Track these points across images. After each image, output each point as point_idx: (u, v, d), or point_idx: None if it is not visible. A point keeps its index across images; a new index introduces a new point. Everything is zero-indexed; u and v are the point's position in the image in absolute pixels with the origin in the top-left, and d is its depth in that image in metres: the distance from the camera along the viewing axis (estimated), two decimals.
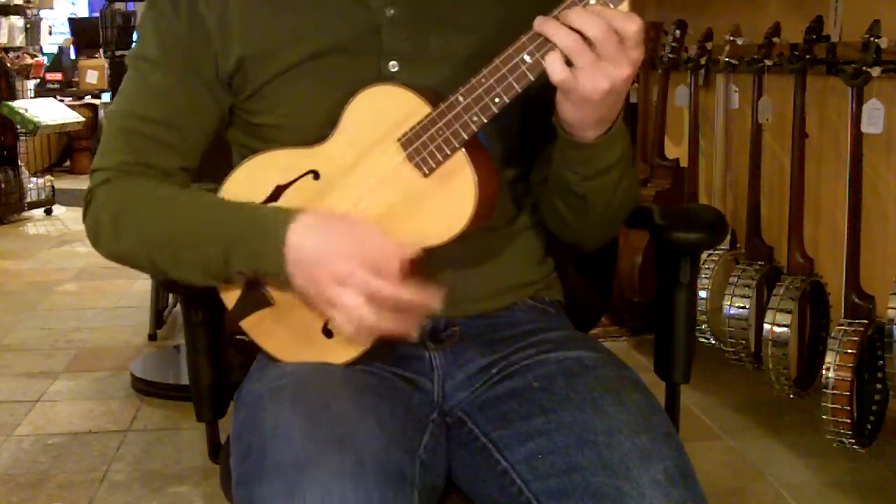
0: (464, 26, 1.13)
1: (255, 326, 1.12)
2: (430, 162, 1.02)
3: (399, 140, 1.03)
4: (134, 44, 1.21)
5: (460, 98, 0.99)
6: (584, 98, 0.96)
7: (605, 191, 1.10)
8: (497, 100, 0.98)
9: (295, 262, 1.02)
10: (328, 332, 1.08)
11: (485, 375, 1.13)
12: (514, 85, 0.97)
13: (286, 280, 1.03)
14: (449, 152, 1.01)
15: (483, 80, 0.98)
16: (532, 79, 0.97)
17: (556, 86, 0.97)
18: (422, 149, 1.02)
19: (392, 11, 1.12)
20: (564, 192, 1.11)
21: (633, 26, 0.93)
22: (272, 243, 1.02)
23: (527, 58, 0.96)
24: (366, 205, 1.06)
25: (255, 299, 1.10)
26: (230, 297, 1.12)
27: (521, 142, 1.21)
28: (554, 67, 0.95)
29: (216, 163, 1.18)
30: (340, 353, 1.08)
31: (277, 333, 1.12)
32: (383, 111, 1.03)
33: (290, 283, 1.03)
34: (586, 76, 0.95)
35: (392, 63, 1.11)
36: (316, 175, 1.08)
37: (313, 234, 1.02)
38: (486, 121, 0.99)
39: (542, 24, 0.95)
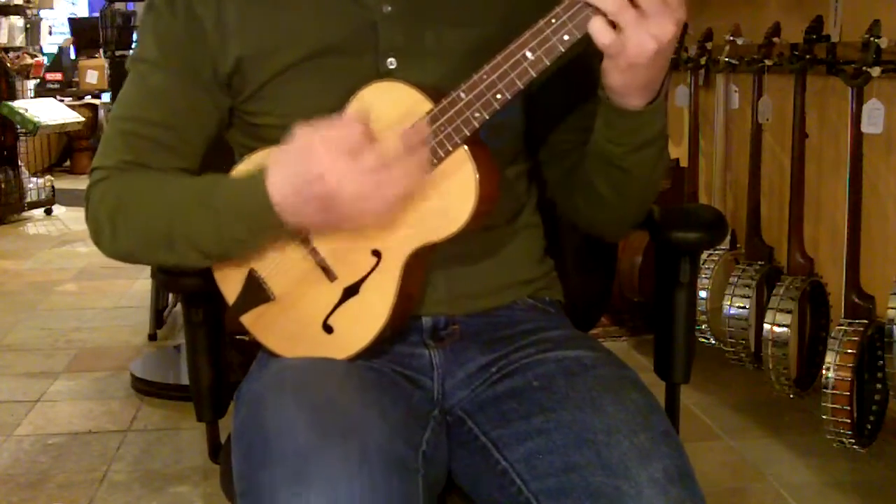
0: (461, 21, 1.13)
1: (256, 322, 1.13)
2: (432, 158, 1.02)
3: (401, 136, 1.03)
4: (133, 46, 1.21)
5: (462, 94, 0.99)
6: (631, 61, 0.95)
7: (647, 164, 1.09)
8: (499, 96, 0.98)
9: (283, 203, 0.99)
10: (328, 328, 1.08)
11: (484, 374, 1.13)
12: (517, 81, 0.97)
13: (289, 226, 1.01)
14: (451, 148, 1.01)
15: (485, 76, 0.98)
16: (534, 75, 0.97)
17: (602, 51, 0.95)
18: None
19: (389, 8, 1.12)
20: (607, 167, 1.10)
21: None
22: (256, 197, 1.00)
23: (529, 54, 0.96)
24: None
25: (255, 295, 1.11)
26: (231, 293, 1.13)
27: (523, 140, 1.21)
28: (599, 31, 0.93)
29: (216, 163, 1.18)
30: (340, 348, 1.08)
31: (277, 329, 1.12)
32: (386, 107, 1.03)
33: (296, 226, 1.02)
34: (632, 37, 0.93)
35: (389, 60, 1.11)
36: None
37: (283, 168, 0.99)
38: (487, 117, 0.99)
39: None
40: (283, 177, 0.99)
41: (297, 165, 0.98)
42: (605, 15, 0.93)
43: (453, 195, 1.02)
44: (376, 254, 1.06)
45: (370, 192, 0.96)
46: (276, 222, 1.01)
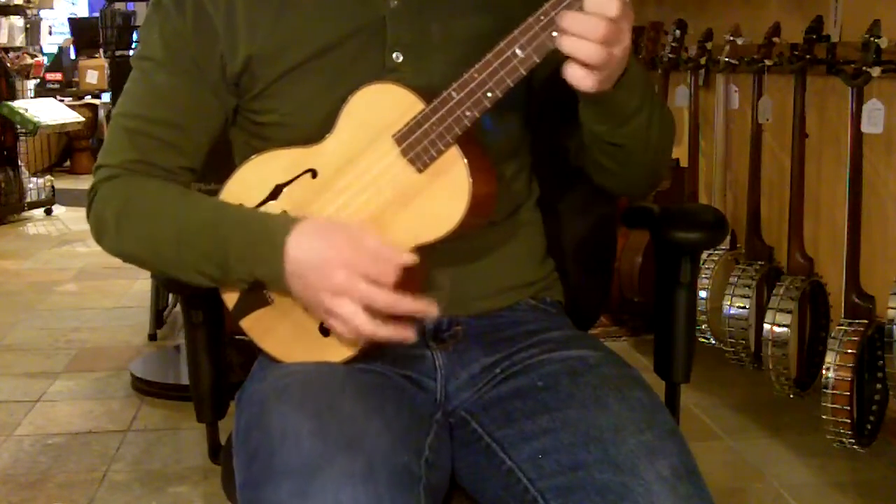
0: (465, 12, 1.14)
1: (254, 325, 1.13)
2: (424, 157, 1.02)
3: (394, 136, 1.03)
4: (137, 45, 1.21)
5: (453, 93, 0.99)
6: (596, 68, 0.96)
7: (639, 133, 1.09)
8: (489, 94, 0.98)
9: (293, 273, 1.03)
10: (325, 331, 1.08)
11: (488, 375, 1.13)
12: (506, 79, 0.97)
13: (284, 288, 1.04)
14: (442, 147, 1.01)
15: (475, 74, 0.98)
16: (524, 73, 0.97)
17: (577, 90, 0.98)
18: (416, 144, 1.02)
19: (395, 3, 1.12)
20: (602, 145, 1.11)
21: (613, 7, 0.93)
22: (271, 252, 1.03)
23: (518, 52, 0.96)
24: (361, 201, 1.06)
25: (254, 299, 1.11)
26: (231, 297, 1.13)
27: (522, 137, 1.21)
28: (580, 80, 0.96)
29: (219, 163, 1.18)
30: (338, 351, 1.08)
31: (275, 332, 1.12)
32: (379, 109, 1.04)
33: (289, 290, 1.04)
34: (602, 67, 0.95)
35: (396, 54, 1.12)
36: (314, 174, 1.09)
37: (311, 244, 1.02)
38: (478, 115, 0.99)
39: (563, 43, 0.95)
40: (303, 251, 1.02)
41: (319, 257, 1.02)
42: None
43: (446, 195, 1.02)
44: None
45: (359, 320, 1.00)
46: (280, 284, 1.04)
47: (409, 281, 1.06)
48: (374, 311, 1.00)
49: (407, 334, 1.02)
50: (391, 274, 1.00)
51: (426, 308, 1.01)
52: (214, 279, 1.09)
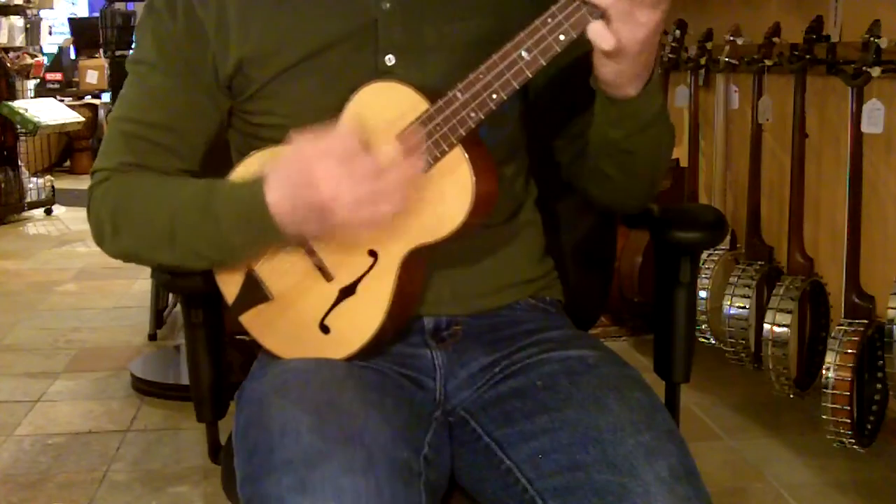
0: (459, 15, 1.13)
1: (254, 321, 1.13)
2: (428, 157, 1.02)
3: (398, 136, 1.03)
4: (132, 48, 1.21)
5: (458, 94, 0.99)
6: (624, 51, 0.95)
7: (653, 141, 1.09)
8: (494, 96, 0.98)
9: (280, 211, 1.00)
10: (325, 328, 1.08)
11: (487, 374, 1.13)
12: (512, 81, 0.97)
13: (286, 234, 1.02)
14: (446, 148, 1.01)
15: (481, 76, 0.98)
16: (529, 75, 0.97)
17: (598, 48, 0.96)
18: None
19: (388, 5, 1.12)
20: (612, 151, 1.10)
21: None
22: (254, 205, 1.01)
23: (524, 54, 0.96)
24: None
25: (253, 294, 1.11)
26: (230, 293, 1.13)
27: (521, 137, 1.21)
28: (599, 33, 0.94)
29: (216, 163, 1.18)
30: (337, 348, 1.08)
31: (275, 328, 1.12)
32: (383, 108, 1.03)
33: (294, 234, 1.03)
34: (623, 27, 0.94)
35: (388, 56, 1.11)
36: None
37: (279, 176, 1.01)
38: (483, 117, 0.99)
39: None
40: (279, 185, 1.00)
41: (293, 174, 0.99)
42: (602, 15, 0.93)
43: (449, 196, 1.02)
44: (373, 254, 1.06)
45: (365, 199, 0.97)
46: (273, 230, 1.02)
47: (406, 281, 1.06)
48: (369, 181, 0.97)
49: (418, 164, 0.99)
50: (355, 141, 0.98)
51: (417, 133, 0.99)
52: (214, 261, 1.09)
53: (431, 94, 1.02)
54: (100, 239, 1.15)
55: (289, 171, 1.00)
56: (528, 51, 0.96)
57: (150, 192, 1.12)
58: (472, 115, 0.99)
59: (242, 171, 1.12)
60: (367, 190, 0.97)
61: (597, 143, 1.12)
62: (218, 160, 1.19)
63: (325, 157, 0.97)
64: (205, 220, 1.06)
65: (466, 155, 1.01)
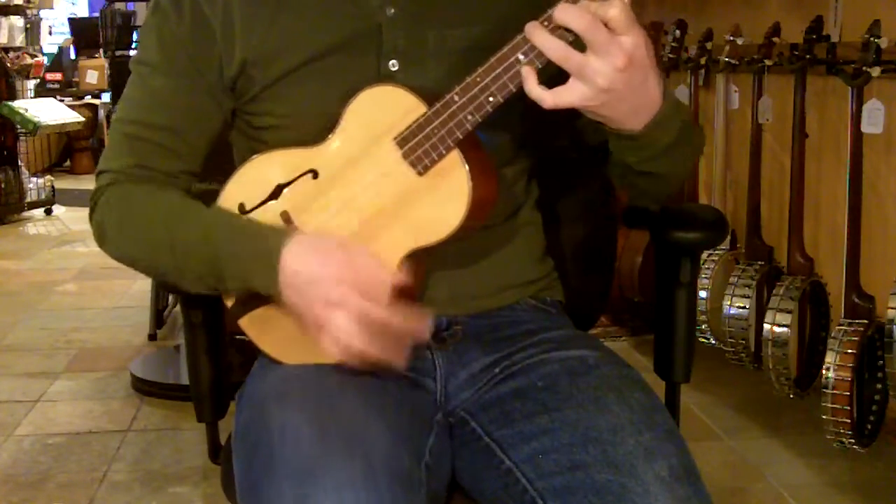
0: (461, 21, 1.13)
1: (253, 325, 1.13)
2: (425, 160, 1.02)
3: (395, 139, 1.03)
4: (135, 48, 1.21)
5: (455, 97, 0.99)
6: (607, 94, 0.94)
7: (671, 162, 1.08)
8: (491, 99, 0.98)
9: (287, 284, 1.02)
10: None
11: (488, 375, 1.13)
12: (509, 84, 0.97)
13: (278, 297, 1.04)
14: (443, 151, 1.01)
15: (478, 78, 0.98)
16: None
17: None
18: (417, 147, 1.02)
19: (392, 10, 1.12)
20: (632, 173, 1.11)
21: (612, 10, 0.90)
22: (266, 263, 1.03)
23: (521, 57, 0.96)
24: (361, 203, 1.06)
25: (253, 298, 1.11)
26: (230, 296, 1.13)
27: (522, 139, 1.21)
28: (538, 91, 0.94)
29: (220, 163, 1.18)
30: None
31: (273, 332, 1.12)
32: (382, 111, 1.04)
33: (282, 300, 1.04)
34: (583, 80, 0.93)
35: (392, 62, 1.11)
36: (315, 174, 1.08)
37: (307, 257, 1.02)
38: (480, 120, 0.99)
39: (532, 34, 0.94)
40: (296, 279, 1.02)
41: (317, 277, 1.01)
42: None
43: (446, 198, 1.02)
44: None
45: (352, 333, 0.99)
46: (274, 294, 1.04)
47: (407, 285, 1.06)
48: (367, 327, 0.99)
49: (398, 358, 1.01)
50: (386, 290, 1.00)
51: (420, 326, 1.01)
52: (212, 288, 1.10)
53: (430, 97, 1.02)
54: (102, 241, 1.16)
55: (315, 265, 1.01)
56: (525, 54, 0.96)
57: (156, 211, 1.12)
58: (469, 117, 0.99)
59: (246, 174, 1.12)
60: (359, 339, 0.99)
61: (616, 166, 1.12)
62: (221, 158, 1.19)
63: (352, 287, 0.99)
64: (207, 258, 1.07)
65: (463, 158, 1.01)
